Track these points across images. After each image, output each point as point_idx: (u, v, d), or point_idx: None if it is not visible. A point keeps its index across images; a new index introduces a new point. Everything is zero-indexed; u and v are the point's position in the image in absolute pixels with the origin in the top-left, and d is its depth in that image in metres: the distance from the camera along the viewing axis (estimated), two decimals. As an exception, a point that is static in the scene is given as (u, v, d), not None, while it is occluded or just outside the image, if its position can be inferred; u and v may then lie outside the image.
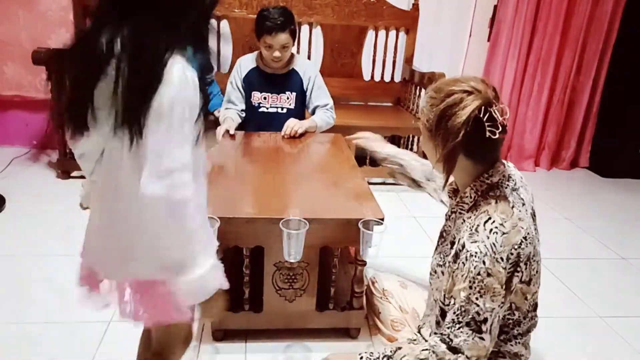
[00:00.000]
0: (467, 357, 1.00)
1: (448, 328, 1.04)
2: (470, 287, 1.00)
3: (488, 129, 1.00)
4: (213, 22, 2.98)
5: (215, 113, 2.57)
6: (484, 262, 0.99)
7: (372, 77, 3.29)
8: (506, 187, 1.08)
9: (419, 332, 1.28)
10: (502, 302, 1.02)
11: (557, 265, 2.21)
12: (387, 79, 3.32)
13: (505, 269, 1.00)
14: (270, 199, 1.56)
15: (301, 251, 1.33)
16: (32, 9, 2.94)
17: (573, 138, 3.67)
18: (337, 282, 1.57)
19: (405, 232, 2.42)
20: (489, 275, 0.99)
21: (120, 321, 1.63)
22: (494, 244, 0.99)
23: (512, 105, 3.48)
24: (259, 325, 1.57)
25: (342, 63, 3.24)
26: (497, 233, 1.00)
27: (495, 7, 3.32)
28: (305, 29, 3.15)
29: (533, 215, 1.14)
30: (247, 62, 2.36)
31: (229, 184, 1.67)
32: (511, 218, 1.02)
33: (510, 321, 1.12)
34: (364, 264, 1.53)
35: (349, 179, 1.73)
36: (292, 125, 2.20)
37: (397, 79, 3.34)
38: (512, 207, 1.05)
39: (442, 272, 1.17)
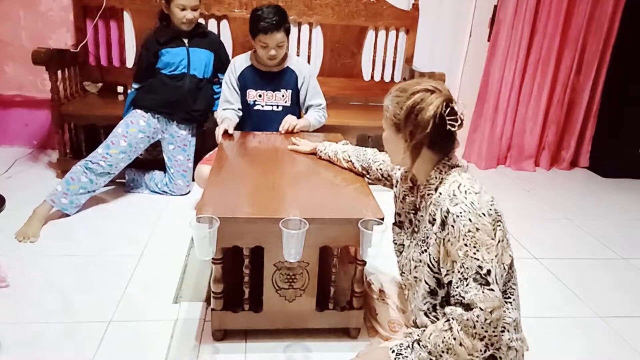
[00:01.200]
0: (481, 309, 1.07)
1: (457, 288, 1.11)
2: (466, 245, 1.09)
3: (449, 122, 1.14)
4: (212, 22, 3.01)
5: (215, 114, 2.59)
6: (470, 220, 1.09)
7: (372, 77, 3.29)
8: (463, 169, 1.23)
9: (414, 323, 1.29)
10: (496, 254, 1.10)
11: (557, 265, 2.21)
12: (387, 79, 3.32)
13: (490, 223, 1.10)
14: (270, 199, 1.56)
15: (301, 251, 1.33)
16: (33, 9, 2.95)
17: (573, 138, 3.67)
18: (337, 282, 1.57)
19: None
20: (477, 229, 1.09)
21: (120, 321, 1.64)
22: (472, 202, 1.11)
23: (512, 105, 3.48)
24: (259, 325, 1.57)
25: (342, 63, 3.24)
26: (471, 194, 1.13)
27: (495, 7, 3.32)
28: (305, 29, 3.16)
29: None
30: (241, 61, 2.39)
31: (229, 184, 1.67)
32: (476, 182, 1.17)
33: (508, 283, 1.20)
34: (364, 264, 1.53)
35: (349, 179, 1.73)
36: (291, 121, 2.25)
37: (397, 79, 3.34)
38: (472, 178, 1.20)
39: (428, 255, 1.22)
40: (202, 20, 2.99)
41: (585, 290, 2.05)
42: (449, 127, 1.14)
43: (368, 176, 1.69)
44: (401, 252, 1.40)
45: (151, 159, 2.80)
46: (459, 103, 1.17)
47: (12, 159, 2.95)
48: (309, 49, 3.19)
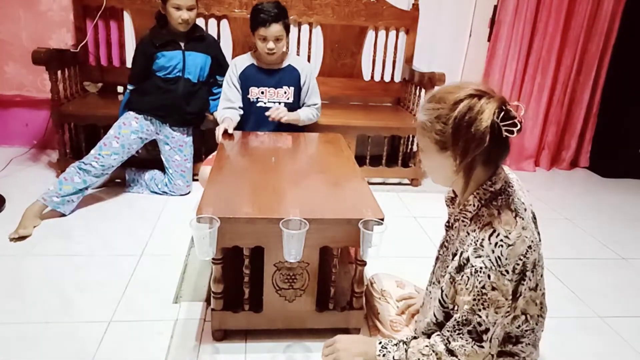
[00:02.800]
0: None
1: (448, 331, 1.06)
2: (474, 300, 1.00)
3: (505, 129, 0.97)
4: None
5: (215, 114, 2.59)
6: (489, 277, 0.98)
7: (372, 77, 3.29)
8: (509, 195, 1.07)
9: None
10: (508, 312, 1.02)
11: (557, 265, 2.21)
12: (387, 79, 3.32)
13: (511, 280, 0.99)
14: (270, 199, 1.56)
15: (301, 251, 1.33)
16: (33, 9, 2.95)
17: (573, 138, 3.67)
18: (337, 282, 1.57)
19: (405, 232, 2.42)
20: (493, 289, 0.98)
21: (120, 321, 1.64)
22: (499, 257, 0.98)
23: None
24: (259, 325, 1.57)
25: (342, 63, 3.24)
26: (502, 246, 0.99)
27: (495, 7, 3.32)
28: (305, 29, 3.15)
29: (534, 217, 1.14)
30: (243, 60, 2.42)
31: (229, 184, 1.67)
32: (515, 228, 1.01)
33: (527, 330, 1.13)
34: (364, 264, 1.53)
35: (349, 179, 1.73)
36: (280, 111, 2.31)
37: (397, 79, 3.34)
38: (516, 215, 1.03)
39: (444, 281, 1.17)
40: (202, 20, 2.99)
41: (585, 290, 2.05)
42: (506, 134, 0.97)
43: None
44: (436, 260, 1.29)
45: (150, 159, 2.80)
46: (512, 103, 1.00)
47: (11, 159, 2.95)
48: (309, 49, 3.18)
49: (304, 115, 2.42)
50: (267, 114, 2.29)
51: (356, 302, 1.58)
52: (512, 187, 1.09)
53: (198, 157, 2.79)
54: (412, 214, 2.65)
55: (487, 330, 1.01)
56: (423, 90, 2.98)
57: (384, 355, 1.14)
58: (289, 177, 1.79)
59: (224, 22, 3.07)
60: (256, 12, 2.26)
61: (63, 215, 2.31)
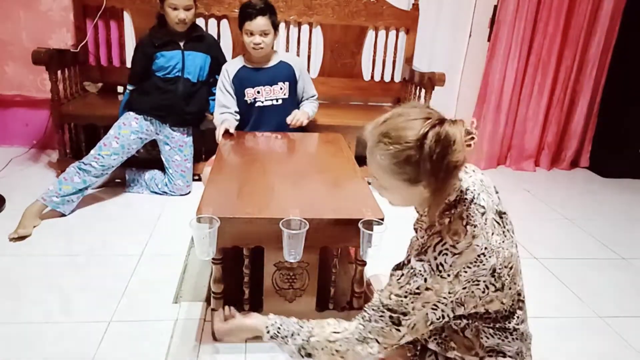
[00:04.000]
0: (378, 343, 1.07)
1: (369, 313, 1.09)
2: (405, 297, 1.03)
3: (466, 144, 0.96)
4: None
5: (213, 118, 2.59)
6: (425, 280, 1.01)
7: (372, 77, 3.29)
8: (463, 204, 1.04)
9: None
10: (443, 312, 1.04)
11: (557, 265, 2.21)
12: (387, 79, 3.32)
13: (451, 283, 1.00)
14: (270, 199, 1.56)
15: (301, 251, 1.34)
16: (33, 9, 2.95)
17: (573, 138, 3.67)
18: (337, 282, 1.57)
19: (405, 232, 2.41)
20: (427, 289, 1.01)
21: (120, 321, 1.64)
22: (441, 264, 1.00)
23: (512, 105, 3.48)
24: (259, 325, 1.57)
25: (342, 63, 3.24)
26: (447, 254, 1.00)
27: (495, 7, 3.32)
28: (305, 29, 3.15)
29: (500, 215, 1.10)
30: (234, 64, 2.45)
31: (229, 184, 1.67)
32: (465, 238, 1.00)
33: (499, 315, 1.12)
34: (364, 264, 1.53)
35: (349, 179, 1.73)
36: (299, 116, 2.34)
37: (397, 79, 3.34)
38: (466, 224, 1.02)
39: None
40: (202, 21, 2.99)
41: (585, 290, 2.05)
42: (471, 146, 0.97)
43: None
44: None
45: (150, 159, 2.80)
46: (459, 118, 0.99)
47: (11, 159, 2.95)
48: (309, 49, 3.18)
49: (310, 110, 2.47)
50: (288, 122, 2.32)
51: (356, 302, 1.59)
52: (470, 193, 1.06)
53: (198, 157, 2.79)
54: (412, 214, 2.64)
55: (406, 314, 1.04)
56: (423, 91, 2.98)
57: (275, 331, 1.21)
58: (289, 177, 1.79)
59: (224, 22, 3.07)
60: (243, 8, 2.30)
61: (63, 215, 2.31)
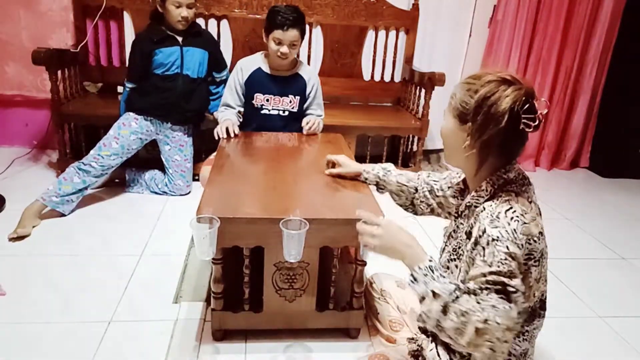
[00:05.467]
0: (497, 323, 0.92)
1: (478, 290, 0.96)
2: (495, 271, 0.96)
3: (524, 121, 0.98)
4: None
5: (215, 114, 2.58)
6: (507, 247, 0.96)
7: (372, 77, 3.29)
8: (523, 184, 1.08)
9: (422, 330, 1.28)
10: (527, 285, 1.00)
11: (557, 265, 2.21)
12: (387, 79, 3.32)
13: (522, 256, 0.98)
14: (270, 199, 1.56)
15: (301, 251, 1.33)
16: (32, 9, 2.95)
17: (573, 138, 3.67)
18: (337, 282, 1.57)
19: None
20: (513, 258, 0.96)
21: (120, 321, 1.64)
22: (515, 229, 0.98)
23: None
24: (259, 325, 1.57)
25: (342, 63, 3.24)
26: (517, 221, 0.99)
27: (495, 7, 3.32)
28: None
29: (539, 214, 1.14)
30: (250, 64, 2.35)
31: (229, 184, 1.67)
32: (531, 211, 1.02)
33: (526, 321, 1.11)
34: (364, 264, 1.53)
35: (349, 179, 1.73)
36: (315, 123, 2.27)
37: (397, 79, 3.34)
38: (531, 202, 1.06)
39: (456, 266, 1.15)
40: (202, 21, 2.99)
41: (585, 290, 2.05)
42: (522, 126, 0.98)
43: (416, 195, 1.52)
44: (442, 252, 1.27)
45: (150, 159, 2.80)
46: (540, 100, 1.01)
47: (12, 159, 2.95)
48: (309, 49, 3.18)
49: (320, 119, 2.37)
50: (305, 129, 2.26)
51: (356, 302, 1.59)
52: (527, 179, 1.10)
53: (198, 157, 2.79)
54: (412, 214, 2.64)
55: (515, 291, 0.95)
56: (423, 91, 2.98)
57: (424, 281, 1.00)
58: (289, 177, 1.79)
59: (224, 22, 3.07)
60: (274, 14, 2.18)
61: (62, 215, 2.31)
